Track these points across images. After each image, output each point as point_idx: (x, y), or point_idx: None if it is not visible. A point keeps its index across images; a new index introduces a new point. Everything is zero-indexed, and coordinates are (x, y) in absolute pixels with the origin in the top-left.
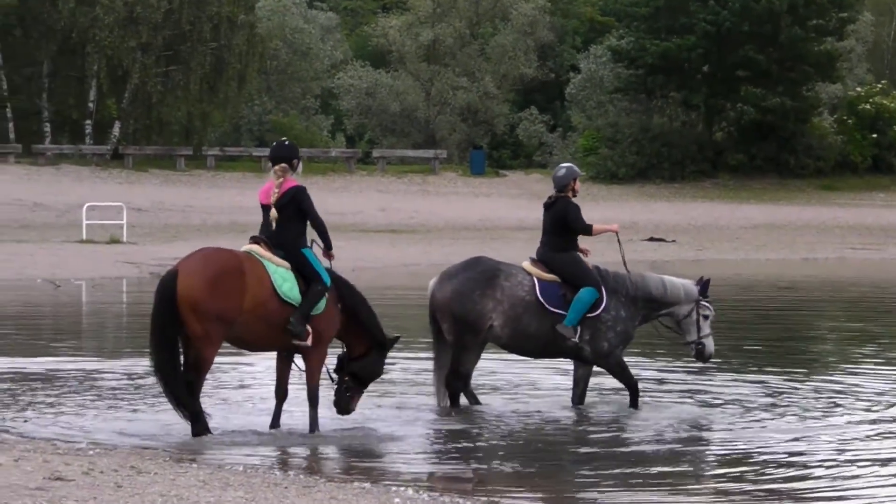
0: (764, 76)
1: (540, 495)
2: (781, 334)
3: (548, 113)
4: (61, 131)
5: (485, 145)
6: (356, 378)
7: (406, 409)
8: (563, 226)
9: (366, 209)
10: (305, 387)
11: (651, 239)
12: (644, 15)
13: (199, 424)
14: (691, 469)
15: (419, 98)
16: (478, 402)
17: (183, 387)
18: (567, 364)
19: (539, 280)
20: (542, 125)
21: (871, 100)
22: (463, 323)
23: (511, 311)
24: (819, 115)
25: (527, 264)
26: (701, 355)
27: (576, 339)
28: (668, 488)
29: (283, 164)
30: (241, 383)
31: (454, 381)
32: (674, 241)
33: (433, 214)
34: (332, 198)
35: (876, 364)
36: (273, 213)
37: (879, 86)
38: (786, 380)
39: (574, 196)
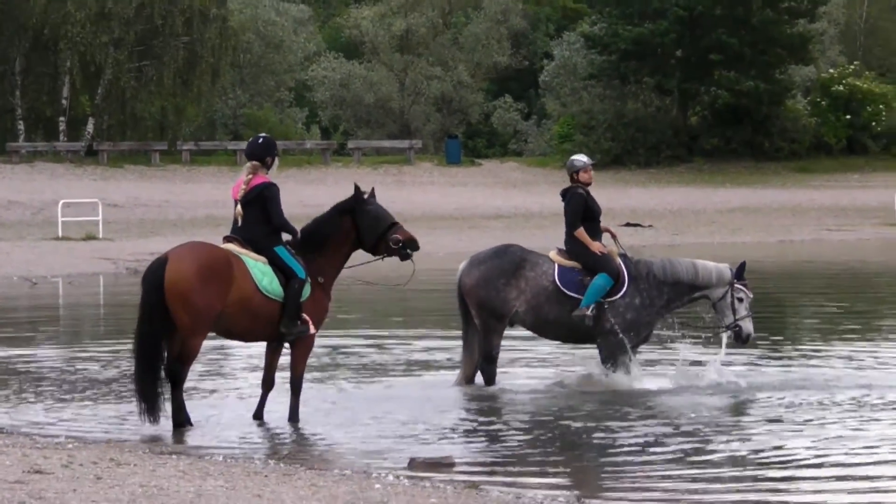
0: (737, 60)
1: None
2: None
3: (522, 101)
4: (35, 129)
5: (460, 134)
6: (386, 246)
7: (392, 393)
8: None
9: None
10: (290, 374)
11: (627, 224)
12: (616, 0)
13: (180, 414)
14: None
15: (393, 88)
16: (493, 382)
17: (155, 381)
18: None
19: (560, 266)
20: (517, 113)
21: (844, 81)
22: (489, 309)
23: (534, 300)
24: (793, 98)
25: (553, 253)
26: (738, 337)
27: (589, 319)
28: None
29: (255, 162)
30: (228, 372)
31: (486, 366)
32: (650, 225)
33: (409, 204)
34: (307, 190)
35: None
36: (238, 209)
37: (852, 67)
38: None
39: (586, 185)
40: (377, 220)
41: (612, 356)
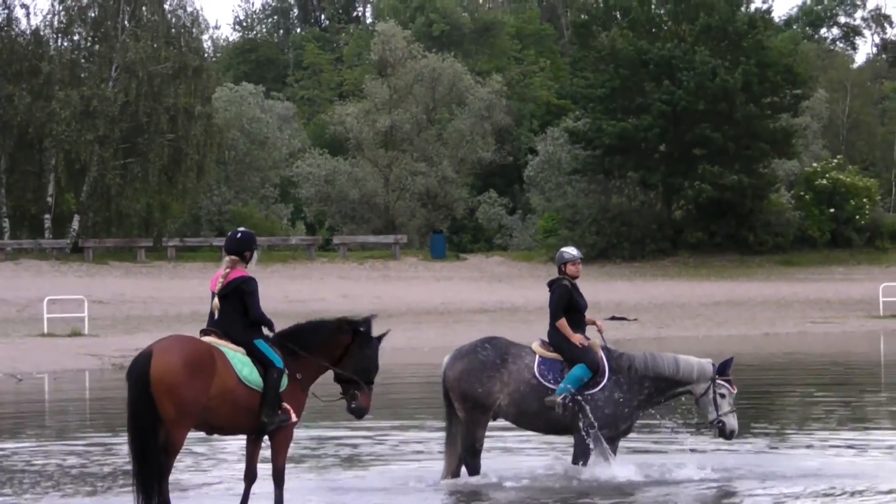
0: (720, 154)
1: None
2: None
3: (507, 196)
4: (20, 226)
5: (445, 229)
6: (354, 382)
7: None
8: None
9: (328, 296)
10: (271, 466)
11: (613, 318)
12: (600, 96)
13: None
14: None
15: (378, 184)
16: (478, 474)
17: (153, 474)
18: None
19: (541, 357)
20: (502, 208)
21: (827, 175)
22: (472, 401)
23: (516, 393)
24: (776, 192)
25: (536, 344)
26: (722, 433)
27: (559, 406)
28: None
29: (233, 256)
30: (211, 464)
31: (470, 459)
32: (635, 319)
33: (395, 299)
34: (293, 285)
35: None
36: (215, 301)
37: (835, 161)
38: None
39: (573, 278)
40: (367, 369)
41: (584, 454)
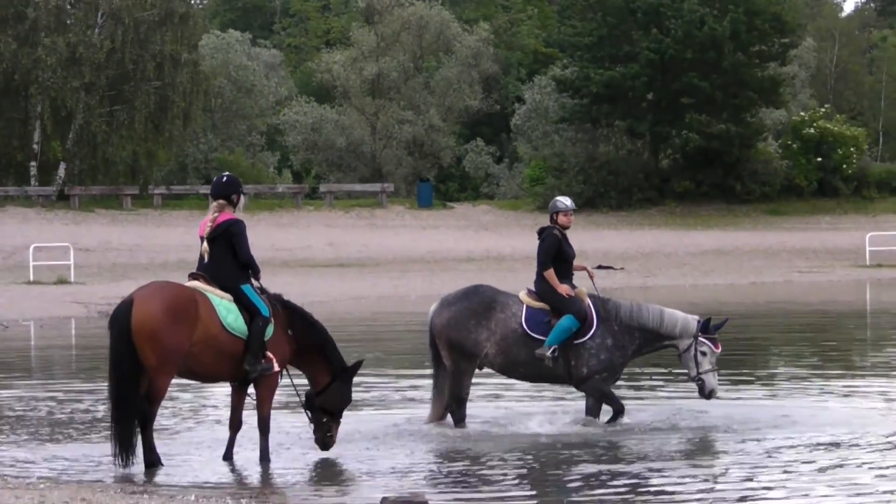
0: (708, 103)
1: None
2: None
3: (494, 144)
4: (6, 173)
5: (431, 178)
6: (326, 411)
7: (363, 431)
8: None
9: (314, 244)
10: (257, 415)
11: (599, 267)
12: (587, 44)
13: (151, 454)
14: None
15: (365, 132)
16: (463, 423)
17: (132, 424)
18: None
19: (528, 308)
20: (489, 157)
21: (814, 124)
22: (459, 349)
23: (503, 342)
24: (764, 141)
25: (523, 294)
26: (702, 392)
27: (549, 360)
28: None
29: (221, 201)
30: (197, 412)
31: (456, 407)
32: (622, 268)
33: (381, 248)
34: (279, 234)
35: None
36: (204, 246)
37: (823, 110)
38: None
39: (563, 228)
40: (345, 401)
41: (598, 403)
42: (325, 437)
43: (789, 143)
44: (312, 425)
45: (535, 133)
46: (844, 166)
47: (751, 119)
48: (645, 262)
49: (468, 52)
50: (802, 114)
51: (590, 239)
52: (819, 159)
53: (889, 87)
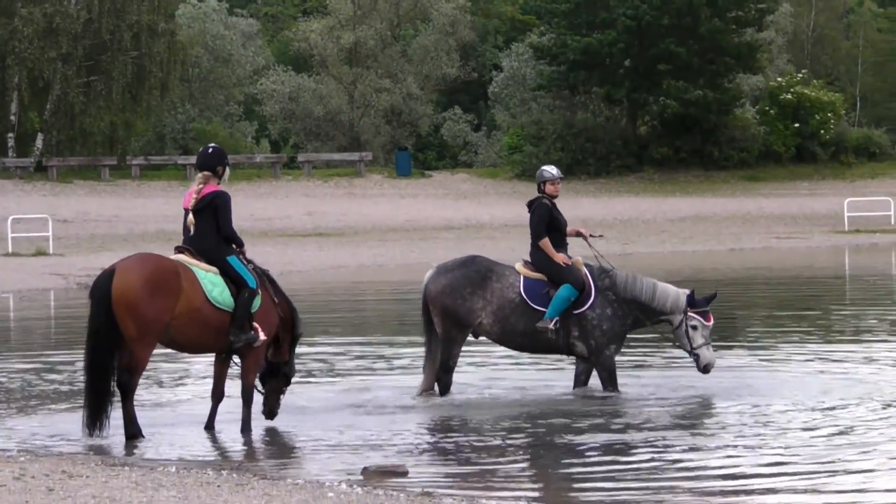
0: (685, 69)
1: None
2: None
3: (472, 112)
4: None
5: (410, 146)
6: (287, 378)
7: (345, 401)
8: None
9: (293, 214)
10: (241, 384)
11: (578, 234)
12: (564, 11)
13: (132, 426)
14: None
15: (342, 101)
16: (448, 391)
17: (104, 394)
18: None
19: (525, 278)
20: (467, 125)
21: (792, 90)
22: (453, 317)
23: (499, 312)
24: (741, 107)
25: (519, 265)
26: (697, 366)
27: (552, 332)
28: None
29: (206, 172)
30: (178, 383)
31: (443, 375)
32: (601, 235)
33: (360, 216)
34: (258, 203)
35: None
36: (189, 217)
37: (800, 75)
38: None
39: (552, 197)
40: (293, 371)
41: (611, 375)
42: (274, 406)
43: (767, 108)
44: (264, 395)
45: (512, 101)
46: (822, 132)
47: (728, 85)
48: (623, 229)
49: (445, 20)
50: (780, 79)
51: (568, 206)
52: (796, 125)
53: (866, 52)
